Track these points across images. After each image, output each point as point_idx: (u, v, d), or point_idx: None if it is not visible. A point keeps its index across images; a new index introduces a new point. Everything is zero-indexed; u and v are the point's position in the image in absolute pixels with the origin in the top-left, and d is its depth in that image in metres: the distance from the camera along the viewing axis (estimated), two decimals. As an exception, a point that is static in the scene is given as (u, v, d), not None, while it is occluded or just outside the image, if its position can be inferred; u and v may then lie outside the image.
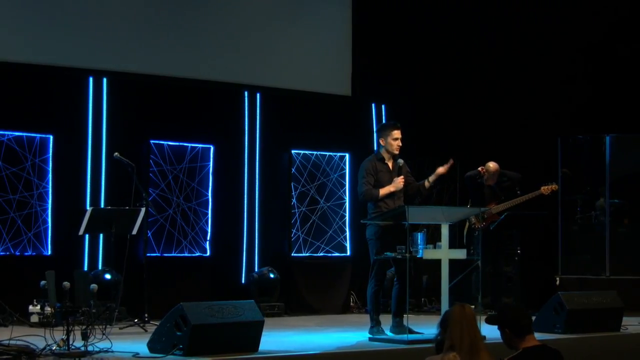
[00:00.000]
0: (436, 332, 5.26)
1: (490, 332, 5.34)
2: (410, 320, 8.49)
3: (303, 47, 12.35)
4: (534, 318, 6.67)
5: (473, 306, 6.02)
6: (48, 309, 8.69)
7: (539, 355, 5.29)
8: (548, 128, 12.66)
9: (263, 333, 7.41)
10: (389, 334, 8.62)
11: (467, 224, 11.17)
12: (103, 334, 7.29)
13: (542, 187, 10.89)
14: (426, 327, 8.81)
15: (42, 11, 10.48)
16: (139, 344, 7.39)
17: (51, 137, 10.46)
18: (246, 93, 11.92)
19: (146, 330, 8.89)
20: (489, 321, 5.51)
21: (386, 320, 8.75)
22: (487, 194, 11.10)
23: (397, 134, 8.79)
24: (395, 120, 9.24)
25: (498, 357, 5.18)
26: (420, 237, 8.40)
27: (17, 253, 10.15)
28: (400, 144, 8.82)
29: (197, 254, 11.36)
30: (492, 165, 11.11)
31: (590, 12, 12.83)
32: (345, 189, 12.56)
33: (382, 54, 12.86)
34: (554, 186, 10.94)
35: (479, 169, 11.11)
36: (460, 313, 5.05)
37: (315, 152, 12.33)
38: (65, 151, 10.55)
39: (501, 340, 5.43)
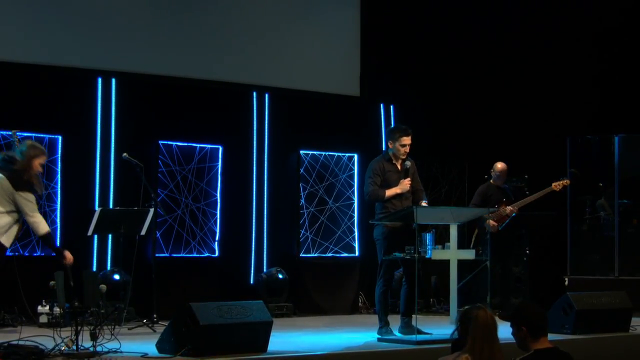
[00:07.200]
0: (453, 330, 5.20)
1: (501, 332, 5.30)
2: (418, 320, 8.47)
3: (311, 48, 12.35)
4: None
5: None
6: (57, 310, 8.72)
7: (550, 358, 5.27)
8: (557, 128, 12.63)
9: (272, 333, 7.41)
10: (397, 334, 8.61)
11: (477, 230, 11.09)
12: (112, 335, 7.28)
13: (554, 183, 10.82)
14: (435, 328, 8.82)
15: (51, 12, 10.49)
16: (148, 345, 7.41)
17: (60, 137, 10.47)
18: (255, 93, 11.92)
19: (155, 331, 8.91)
20: (506, 318, 5.46)
21: (395, 321, 8.75)
22: (498, 194, 11.04)
23: (405, 140, 8.73)
24: (404, 120, 9.23)
25: (508, 357, 5.16)
26: (428, 237, 8.39)
27: (26, 253, 10.15)
28: (408, 150, 8.81)
29: (205, 255, 11.36)
30: (499, 165, 11.06)
31: (600, 12, 12.80)
32: (354, 190, 12.54)
33: (390, 54, 12.86)
34: (566, 181, 10.86)
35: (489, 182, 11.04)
36: (484, 321, 4.97)
37: (323, 153, 12.32)
38: (74, 152, 10.57)
39: (507, 341, 5.40)
